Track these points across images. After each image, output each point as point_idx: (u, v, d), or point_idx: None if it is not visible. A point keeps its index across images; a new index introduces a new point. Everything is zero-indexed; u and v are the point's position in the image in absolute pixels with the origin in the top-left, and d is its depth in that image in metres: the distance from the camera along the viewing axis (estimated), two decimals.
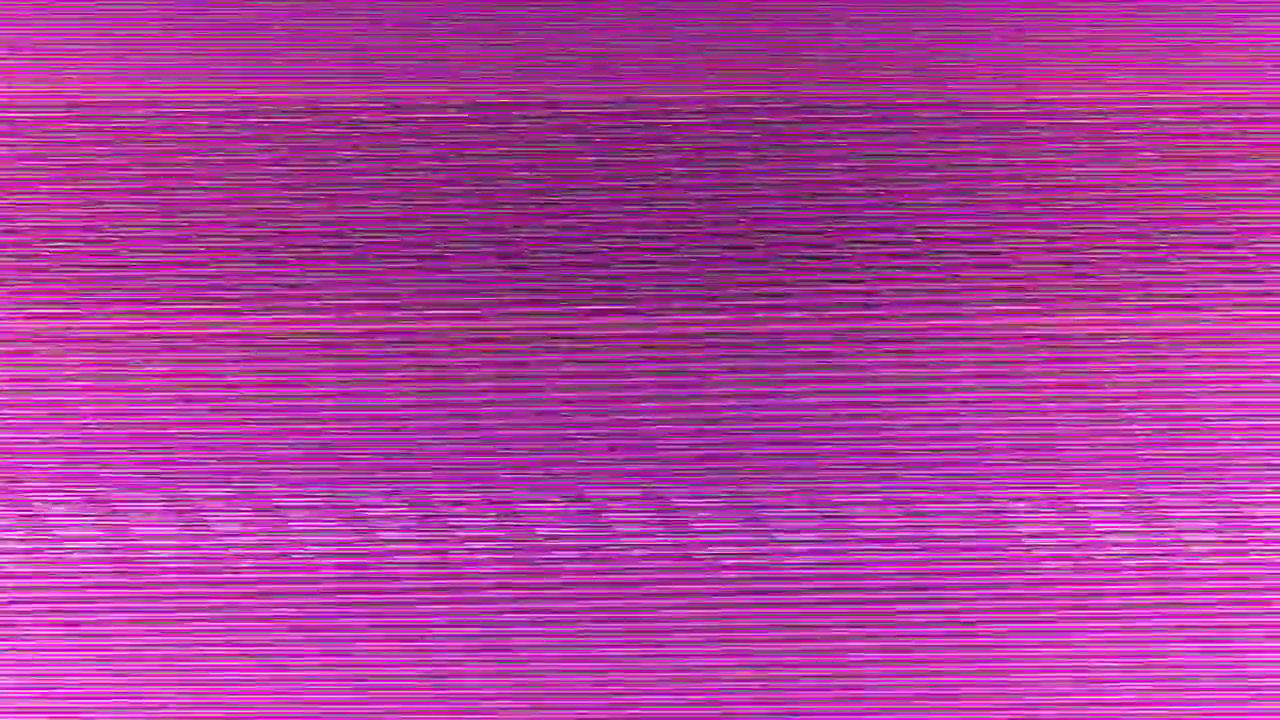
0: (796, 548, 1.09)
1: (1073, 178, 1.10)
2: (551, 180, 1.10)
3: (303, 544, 1.08)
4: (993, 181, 1.10)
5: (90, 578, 1.08)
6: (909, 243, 1.10)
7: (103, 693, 1.08)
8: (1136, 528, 1.09)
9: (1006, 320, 1.10)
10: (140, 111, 1.10)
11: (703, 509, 1.09)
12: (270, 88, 1.10)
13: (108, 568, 1.08)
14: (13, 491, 1.08)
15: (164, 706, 1.08)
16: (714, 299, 1.09)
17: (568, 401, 1.09)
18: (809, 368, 1.09)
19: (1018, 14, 1.11)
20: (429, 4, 1.11)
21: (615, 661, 1.08)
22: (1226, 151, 1.10)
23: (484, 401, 1.09)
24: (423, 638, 1.08)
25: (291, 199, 1.10)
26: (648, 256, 1.10)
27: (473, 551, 1.08)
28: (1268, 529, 1.09)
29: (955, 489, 1.09)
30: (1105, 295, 1.10)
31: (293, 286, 1.09)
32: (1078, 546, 1.09)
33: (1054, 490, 1.09)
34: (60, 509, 1.08)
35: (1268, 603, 1.09)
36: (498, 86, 1.10)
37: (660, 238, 1.10)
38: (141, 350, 1.09)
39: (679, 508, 1.09)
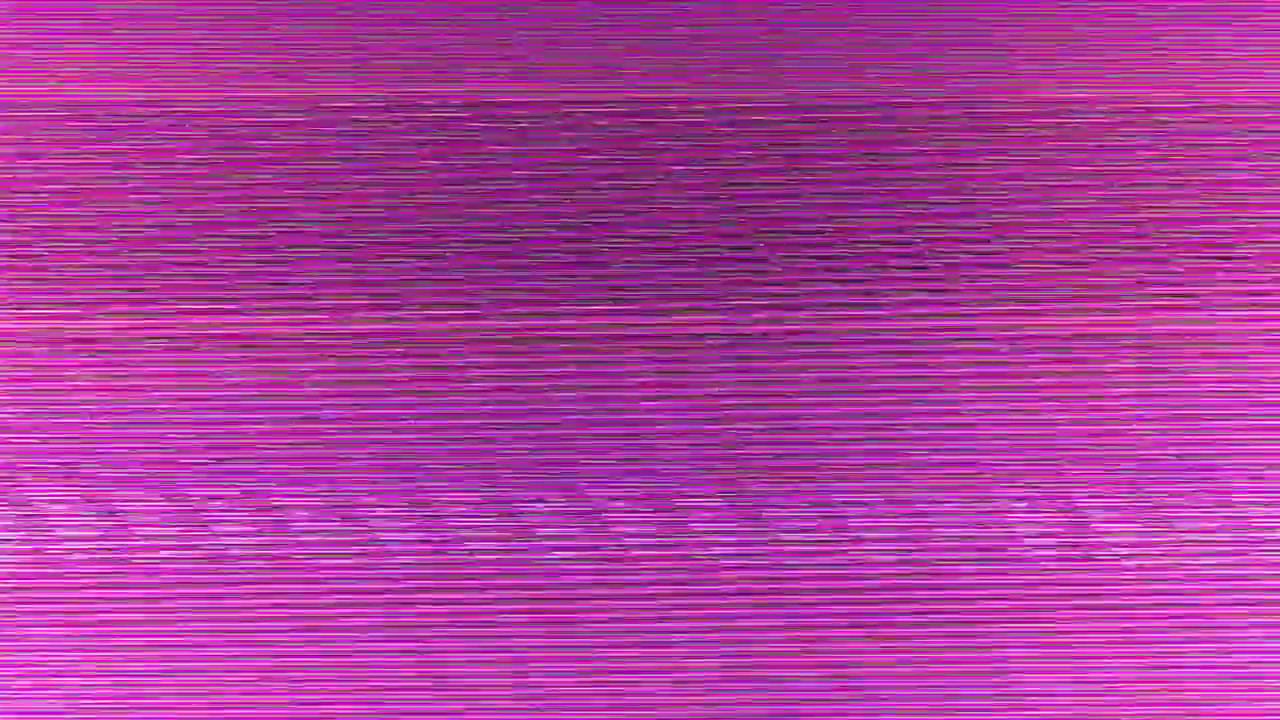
0: (797, 548, 1.09)
1: (1073, 178, 1.10)
2: (550, 180, 1.10)
3: (303, 544, 1.08)
4: (993, 181, 1.10)
5: (90, 578, 1.08)
6: (909, 243, 1.10)
7: (103, 693, 1.08)
8: (1136, 528, 1.09)
9: (1006, 320, 1.10)
10: (141, 111, 1.10)
11: (703, 509, 1.09)
12: (270, 87, 1.10)
13: (108, 568, 1.08)
14: (13, 491, 1.08)
15: (164, 706, 1.08)
16: (714, 299, 1.09)
17: (568, 401, 1.09)
18: (809, 368, 1.09)
19: (1018, 14, 1.11)
20: (429, 4, 1.11)
21: (615, 661, 1.08)
22: (1226, 151, 1.11)
23: (484, 401, 1.09)
24: (423, 638, 1.08)
25: (291, 199, 1.10)
26: (648, 256, 1.10)
27: (473, 551, 1.08)
28: (1268, 529, 1.09)
29: (955, 489, 1.09)
30: (1105, 295, 1.10)
31: (295, 286, 1.09)
32: (1078, 546, 1.09)
33: (1054, 490, 1.09)
34: (60, 509, 1.08)
35: (1268, 603, 1.09)
36: (498, 86, 1.11)
37: (660, 238, 1.10)
38: (142, 350, 1.09)
39: (679, 508, 1.09)
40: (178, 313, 1.09)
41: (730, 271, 1.10)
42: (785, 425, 1.09)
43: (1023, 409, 1.09)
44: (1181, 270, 1.10)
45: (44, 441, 1.09)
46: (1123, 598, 1.09)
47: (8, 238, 1.09)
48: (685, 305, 1.10)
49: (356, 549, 1.08)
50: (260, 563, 1.08)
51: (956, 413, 1.09)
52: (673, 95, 1.11)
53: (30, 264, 1.09)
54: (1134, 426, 1.09)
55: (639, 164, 1.10)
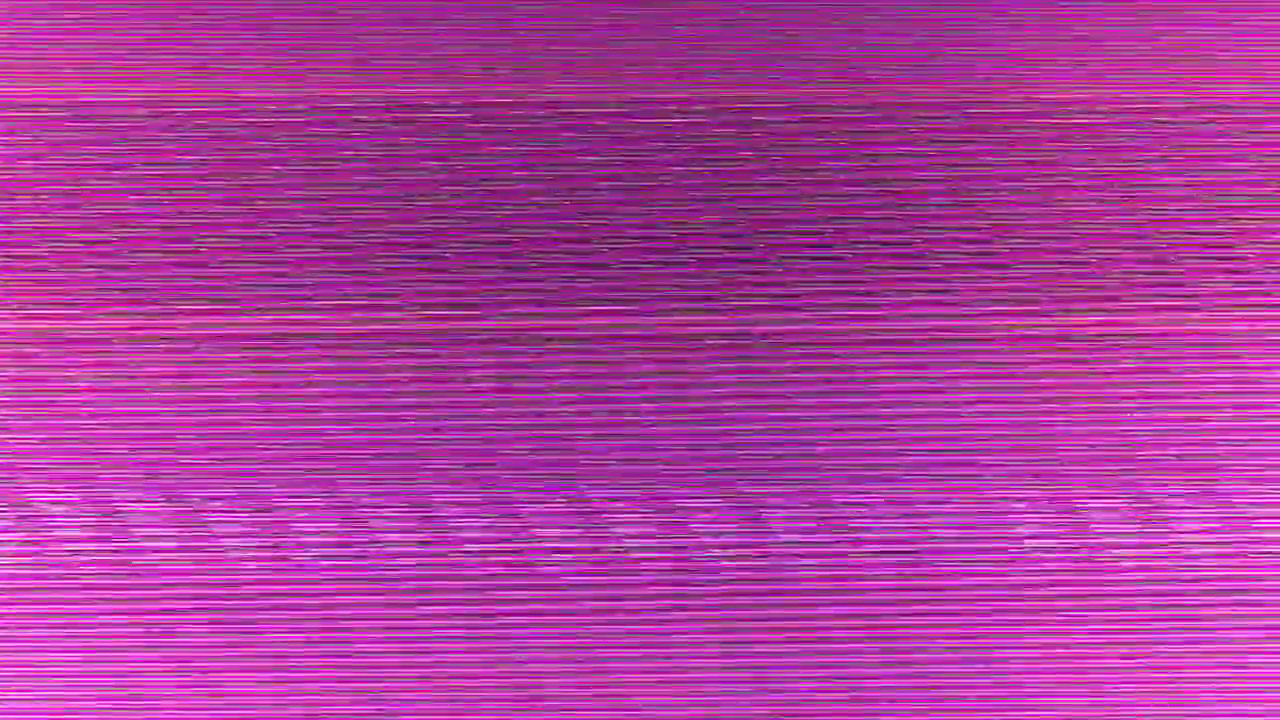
0: (797, 548, 1.09)
1: (1073, 178, 1.10)
2: (551, 180, 1.10)
3: (303, 544, 1.08)
4: (993, 181, 1.10)
5: (90, 578, 1.08)
6: (909, 243, 1.10)
7: (103, 693, 1.08)
8: (1136, 528, 1.09)
9: (1006, 320, 1.10)
10: (140, 111, 1.10)
11: (703, 509, 1.09)
12: (270, 87, 1.10)
13: (108, 568, 1.08)
14: (13, 491, 1.08)
15: (164, 706, 1.08)
16: (714, 299, 1.09)
17: (568, 401, 1.09)
18: (809, 368, 1.09)
19: (1018, 14, 1.11)
20: (429, 4, 1.11)
21: (615, 662, 1.08)
22: (1226, 151, 1.10)
23: (484, 401, 1.09)
24: (423, 638, 1.08)
25: (291, 199, 1.10)
26: (648, 256, 1.10)
27: (473, 552, 1.08)
28: (1268, 529, 1.09)
29: (955, 489, 1.09)
30: (1105, 295, 1.10)
31: (293, 286, 1.09)
32: (1078, 546, 1.09)
33: (1054, 490, 1.09)
34: (60, 509, 1.08)
35: (1268, 603, 1.09)
36: (498, 86, 1.11)
37: (660, 238, 1.10)
38: (141, 350, 1.09)
39: (679, 508, 1.09)
40: (178, 313, 1.09)
41: (730, 271, 1.10)
42: (785, 425, 1.09)
43: (1023, 409, 1.09)
44: (1182, 270, 1.10)
45: (44, 441, 1.09)
46: (1123, 598, 1.09)
47: (8, 238, 1.09)
48: (685, 305, 1.10)
49: (356, 549, 1.08)
50: (259, 562, 1.08)
51: (956, 413, 1.09)
52: (673, 95, 1.11)
53: (30, 264, 1.09)
54: (1134, 426, 1.09)
55: (639, 164, 1.10)
